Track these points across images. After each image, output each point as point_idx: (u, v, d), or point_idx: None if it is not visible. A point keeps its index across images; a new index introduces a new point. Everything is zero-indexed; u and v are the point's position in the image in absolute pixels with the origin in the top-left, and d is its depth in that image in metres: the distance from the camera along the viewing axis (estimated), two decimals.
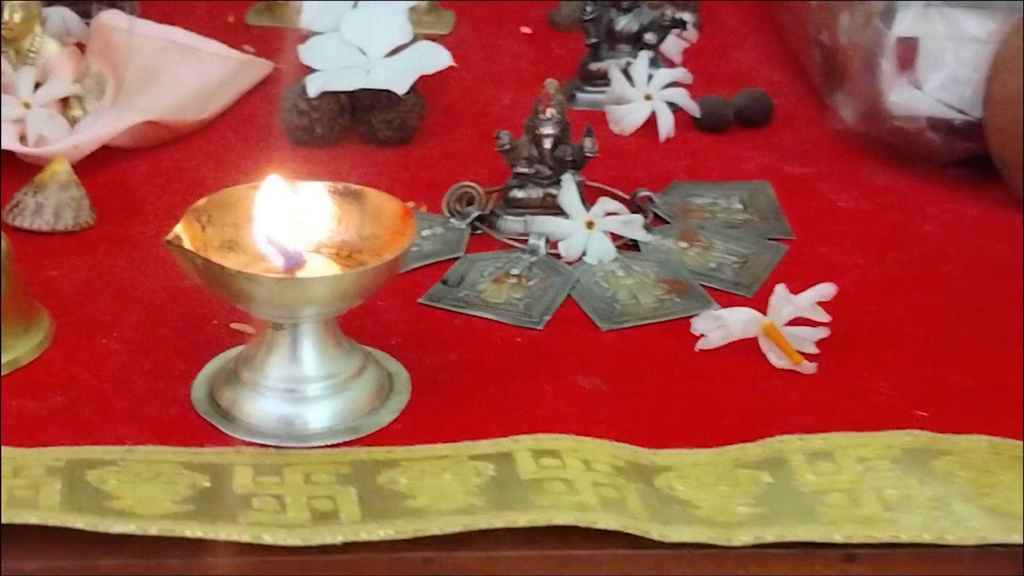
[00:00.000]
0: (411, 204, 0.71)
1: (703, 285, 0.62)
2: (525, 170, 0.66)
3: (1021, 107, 0.67)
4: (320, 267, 0.54)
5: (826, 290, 0.58)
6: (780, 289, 0.56)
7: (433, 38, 0.83)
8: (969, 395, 0.55)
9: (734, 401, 0.54)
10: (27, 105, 0.71)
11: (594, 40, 0.82)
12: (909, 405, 0.54)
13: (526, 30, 0.92)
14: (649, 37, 0.81)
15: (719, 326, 0.57)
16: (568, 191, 0.65)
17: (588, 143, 0.67)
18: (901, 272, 0.64)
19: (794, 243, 0.66)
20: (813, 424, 0.53)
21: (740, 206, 0.70)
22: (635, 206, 0.69)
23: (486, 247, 0.65)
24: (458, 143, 0.77)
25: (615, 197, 0.69)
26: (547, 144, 0.66)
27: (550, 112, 0.66)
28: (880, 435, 0.51)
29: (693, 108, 0.79)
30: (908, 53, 0.71)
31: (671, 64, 0.84)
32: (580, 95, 0.82)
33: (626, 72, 0.79)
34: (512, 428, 0.52)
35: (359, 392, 0.53)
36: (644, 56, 0.79)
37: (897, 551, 0.48)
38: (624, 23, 0.81)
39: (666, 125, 0.77)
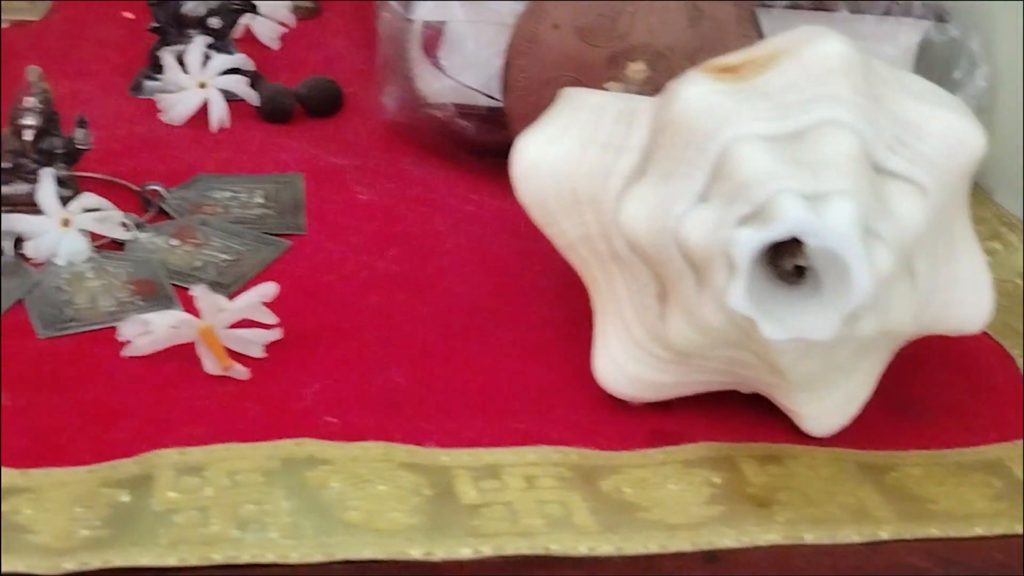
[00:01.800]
0: None
1: (178, 286, 0.59)
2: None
3: (537, 94, 0.66)
4: None
5: (267, 290, 0.54)
6: (201, 291, 0.53)
7: (22, 24, 0.80)
8: (400, 400, 0.52)
9: (146, 412, 0.50)
10: None
11: (157, 24, 0.78)
12: (326, 411, 0.51)
13: (129, 15, 0.89)
14: (213, 22, 0.77)
15: (146, 331, 0.54)
16: (44, 186, 0.61)
17: (80, 135, 0.63)
18: (395, 269, 0.61)
19: (302, 239, 0.62)
20: (220, 434, 0.49)
21: (261, 200, 0.67)
22: (144, 200, 0.67)
23: None
24: None
25: (127, 191, 0.67)
26: (28, 136, 0.61)
27: (30, 102, 0.61)
28: (264, 446, 0.47)
29: (251, 96, 0.75)
30: (434, 38, 0.69)
31: (267, 50, 0.81)
32: (147, 83, 0.78)
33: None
34: None
35: None
36: (200, 41, 0.75)
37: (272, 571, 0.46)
38: (190, 7, 0.77)
39: (217, 114, 0.74)
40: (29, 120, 0.62)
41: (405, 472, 0.47)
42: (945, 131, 0.46)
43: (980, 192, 0.72)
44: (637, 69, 0.66)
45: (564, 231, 0.51)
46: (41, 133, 0.62)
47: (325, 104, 0.76)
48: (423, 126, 0.69)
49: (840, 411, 0.50)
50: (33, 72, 0.62)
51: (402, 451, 0.48)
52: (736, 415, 0.52)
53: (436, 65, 0.67)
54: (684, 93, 0.46)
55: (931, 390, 0.54)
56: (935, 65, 0.70)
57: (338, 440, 0.48)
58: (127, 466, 0.47)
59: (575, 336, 0.56)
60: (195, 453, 0.47)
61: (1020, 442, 0.51)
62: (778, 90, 0.46)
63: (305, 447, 0.48)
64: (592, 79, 0.66)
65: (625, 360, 0.50)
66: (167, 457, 0.47)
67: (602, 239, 0.50)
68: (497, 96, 0.67)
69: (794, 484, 0.47)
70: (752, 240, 0.42)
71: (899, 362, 0.55)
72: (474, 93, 0.67)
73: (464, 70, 0.67)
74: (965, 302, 0.48)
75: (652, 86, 0.67)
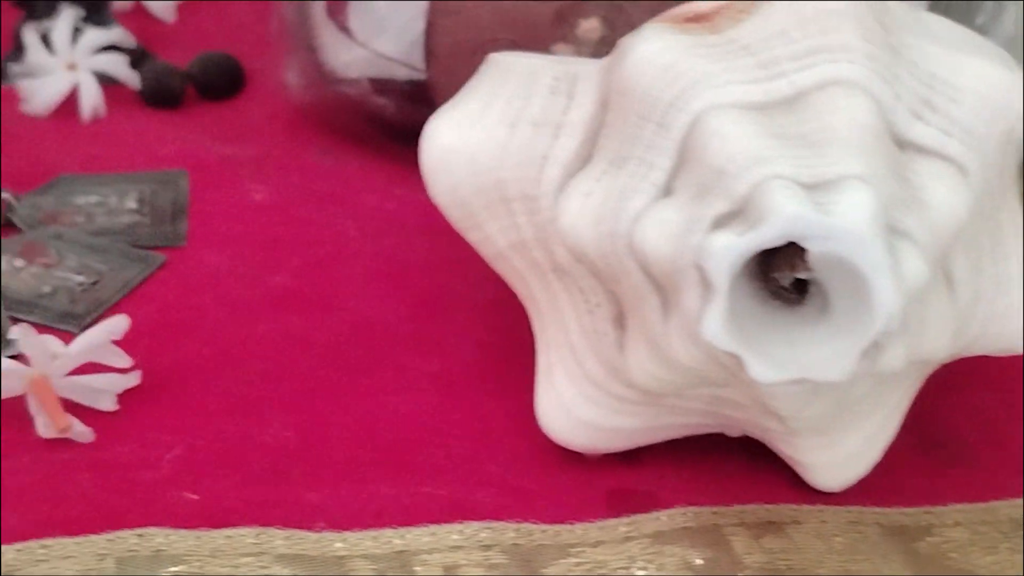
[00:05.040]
0: None
1: (17, 319, 0.46)
2: None
3: (467, 62, 0.55)
4: None
5: (116, 325, 0.43)
6: (23, 332, 0.41)
7: None
8: (287, 463, 0.40)
9: None
10: None
11: None
12: (186, 482, 0.39)
13: None
14: None
15: None
16: None
17: None
18: (292, 286, 0.49)
19: (180, 252, 0.50)
20: (41, 524, 0.36)
21: (135, 205, 0.54)
22: None
23: None
24: None
25: None
26: None
27: None
28: (96, 540, 0.35)
29: (131, 78, 0.64)
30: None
31: (160, 24, 0.70)
32: (12, 67, 0.66)
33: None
34: None
35: None
36: (69, 14, 0.63)
37: None
38: None
39: (90, 100, 0.61)
40: None
41: (283, 567, 0.35)
42: (985, 88, 0.34)
43: None
44: (590, 27, 0.54)
45: (491, 237, 0.39)
46: None
47: (221, 84, 0.64)
48: (333, 106, 0.57)
49: (857, 459, 0.39)
50: None
51: (281, 538, 0.36)
52: (722, 468, 0.40)
53: (344, 31, 0.57)
54: (637, 51, 0.35)
55: (970, 422, 0.43)
56: (952, 9, 0.60)
57: (196, 526, 0.37)
58: None
59: (514, 369, 0.44)
60: (7, 553, 0.35)
61: None
62: (763, 42, 0.35)
63: (151, 539, 0.36)
64: (535, 42, 0.54)
65: (575, 401, 0.39)
66: None
67: (539, 246, 0.39)
68: (420, 67, 0.57)
69: (801, 562, 0.36)
70: (733, 249, 0.31)
71: (926, 386, 0.45)
72: (392, 64, 0.56)
73: (379, 36, 0.56)
74: (1014, 314, 0.37)
75: (609, 48, 0.56)
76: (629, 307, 0.36)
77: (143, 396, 0.43)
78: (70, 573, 0.35)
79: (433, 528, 0.37)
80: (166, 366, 0.44)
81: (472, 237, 0.40)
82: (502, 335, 0.47)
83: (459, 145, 0.38)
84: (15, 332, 0.40)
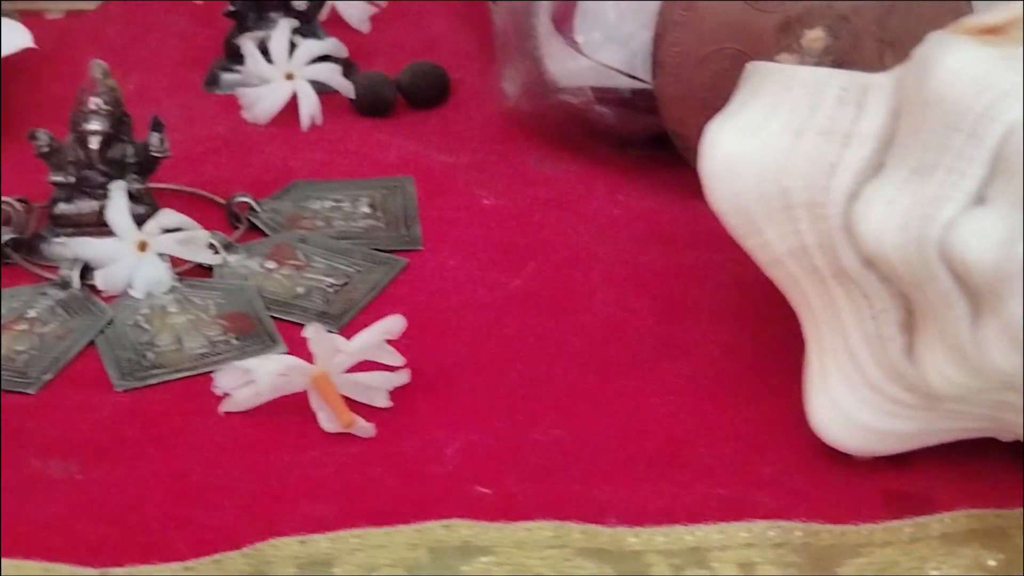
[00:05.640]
0: None
1: (278, 319, 0.49)
2: (61, 178, 0.52)
3: (692, 72, 0.56)
4: None
5: (393, 325, 0.45)
6: (315, 331, 0.43)
7: (77, 13, 0.72)
8: (563, 460, 0.41)
9: (254, 486, 0.40)
10: None
11: (234, 8, 0.69)
12: (475, 476, 0.41)
13: (199, 1, 0.80)
14: (298, 3, 0.69)
15: (247, 381, 0.45)
16: (115, 203, 0.51)
17: (155, 140, 0.53)
18: (535, 288, 0.50)
19: (418, 255, 0.52)
20: (347, 513, 0.39)
21: (368, 210, 0.56)
22: (232, 215, 0.58)
23: (22, 280, 0.51)
24: None
25: (211, 205, 0.58)
26: (94, 144, 0.51)
27: (95, 103, 0.52)
28: (405, 530, 0.37)
29: (346, 88, 0.65)
30: (566, 10, 0.59)
31: (355, 33, 0.72)
32: (224, 76, 0.68)
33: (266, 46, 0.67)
34: None
35: None
36: (285, 25, 0.65)
37: None
38: None
39: (308, 109, 0.64)
40: (95, 125, 0.52)
41: (585, 560, 0.37)
42: None
43: None
44: (815, 37, 0.55)
45: (769, 243, 0.40)
46: (109, 140, 0.52)
47: (430, 93, 0.66)
48: (552, 115, 0.59)
49: None
50: (98, 68, 0.53)
51: (578, 532, 0.38)
52: (994, 471, 0.41)
53: (570, 41, 0.58)
54: (945, 62, 0.36)
55: None
56: None
57: (496, 519, 0.38)
58: (234, 561, 0.37)
59: (768, 370, 0.45)
60: (319, 542, 0.37)
61: None
62: None
63: (457, 530, 0.37)
64: (759, 51, 0.55)
65: (853, 405, 0.40)
66: (285, 548, 0.37)
67: (822, 252, 0.40)
68: (642, 76, 0.58)
69: None
70: None
71: None
72: (615, 74, 0.57)
73: (603, 47, 0.57)
74: None
75: (832, 56, 0.57)
76: (926, 312, 0.37)
77: (412, 393, 0.45)
78: (385, 562, 0.37)
79: (722, 526, 0.38)
80: (428, 365, 0.46)
81: (749, 243, 0.41)
82: (747, 339, 0.48)
83: (743, 152, 0.39)
84: (309, 331, 0.43)
